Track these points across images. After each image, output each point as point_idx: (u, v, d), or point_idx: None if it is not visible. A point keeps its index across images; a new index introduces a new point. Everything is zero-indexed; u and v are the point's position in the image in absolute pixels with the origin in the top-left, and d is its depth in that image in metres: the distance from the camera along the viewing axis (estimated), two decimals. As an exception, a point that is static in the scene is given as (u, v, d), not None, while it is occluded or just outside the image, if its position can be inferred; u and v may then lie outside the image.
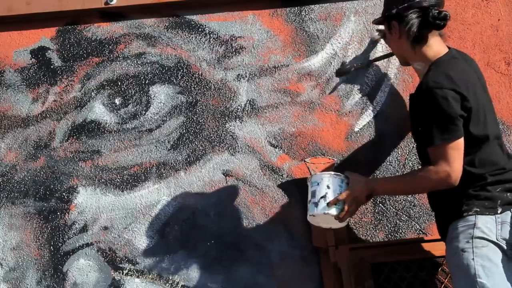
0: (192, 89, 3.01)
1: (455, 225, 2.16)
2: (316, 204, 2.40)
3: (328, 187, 2.39)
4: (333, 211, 2.37)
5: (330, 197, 2.37)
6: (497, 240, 2.09)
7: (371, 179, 2.43)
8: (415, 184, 2.30)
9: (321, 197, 2.39)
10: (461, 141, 2.16)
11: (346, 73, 2.90)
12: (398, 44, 2.40)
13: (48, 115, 2.99)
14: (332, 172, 2.46)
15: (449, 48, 2.37)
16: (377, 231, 2.80)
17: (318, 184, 2.42)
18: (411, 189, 2.41)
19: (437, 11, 2.28)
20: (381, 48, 3.06)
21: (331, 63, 3.04)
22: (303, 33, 3.09)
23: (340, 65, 2.98)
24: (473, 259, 2.07)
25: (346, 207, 2.35)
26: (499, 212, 2.12)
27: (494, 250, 2.09)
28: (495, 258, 2.07)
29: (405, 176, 2.55)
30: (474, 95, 2.21)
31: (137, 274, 2.76)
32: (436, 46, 2.33)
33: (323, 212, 2.38)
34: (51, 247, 2.80)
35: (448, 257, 2.21)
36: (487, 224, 2.11)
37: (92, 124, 2.97)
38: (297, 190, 2.84)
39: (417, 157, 2.67)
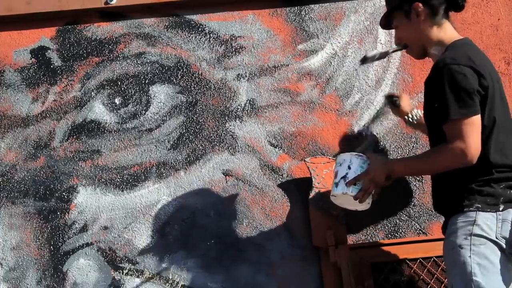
0: (192, 88, 3.02)
1: (454, 220, 2.13)
2: (336, 185, 2.38)
3: (349, 167, 2.36)
4: (351, 191, 2.34)
5: (350, 178, 2.35)
6: (496, 238, 2.07)
7: (391, 159, 2.37)
8: (431, 163, 2.23)
9: (342, 177, 2.36)
10: (478, 118, 2.12)
11: (371, 60, 2.72)
12: (417, 29, 2.35)
13: (48, 115, 2.99)
14: (354, 153, 2.43)
15: None
16: (377, 231, 2.80)
17: (340, 164, 2.39)
18: (428, 168, 2.32)
19: None
20: (381, 48, 3.06)
21: (331, 62, 3.04)
22: (303, 32, 3.09)
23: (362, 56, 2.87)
24: (470, 256, 2.04)
25: (364, 187, 2.32)
26: (500, 209, 2.09)
27: (492, 248, 2.06)
28: (492, 257, 2.05)
29: (423, 155, 2.45)
30: (490, 77, 2.19)
31: (137, 274, 2.76)
32: (450, 31, 2.35)
33: (342, 192, 2.35)
34: (51, 247, 2.80)
35: (445, 252, 2.18)
36: (487, 222, 2.08)
37: (92, 124, 2.97)
38: (297, 190, 2.84)
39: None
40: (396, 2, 2.40)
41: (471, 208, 2.10)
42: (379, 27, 2.89)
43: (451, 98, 2.12)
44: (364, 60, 2.67)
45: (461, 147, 2.10)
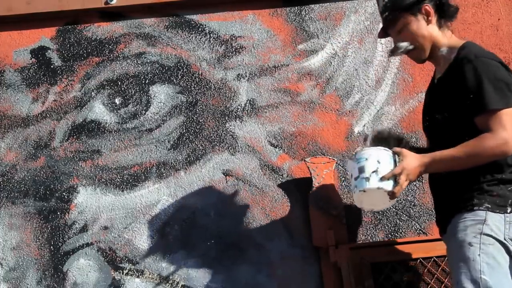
0: (192, 88, 3.02)
1: (461, 217, 2.11)
2: (367, 179, 2.18)
3: (378, 162, 2.21)
4: (388, 185, 2.17)
5: (383, 172, 2.18)
6: (504, 240, 2.06)
7: (424, 155, 2.27)
8: (470, 155, 2.13)
9: (373, 172, 2.19)
10: None
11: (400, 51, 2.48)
12: (425, 31, 2.31)
13: (48, 115, 2.99)
14: (381, 147, 2.29)
15: None
16: (377, 231, 2.80)
17: (366, 159, 2.22)
18: (465, 161, 2.16)
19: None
20: (381, 48, 3.06)
21: (331, 62, 3.04)
22: (303, 32, 3.09)
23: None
24: (479, 255, 2.03)
25: (401, 182, 2.18)
26: (508, 211, 2.09)
27: (499, 249, 2.06)
28: (499, 258, 2.05)
29: (459, 148, 2.20)
30: None
31: (137, 274, 2.76)
32: (454, 35, 2.35)
33: (377, 186, 2.17)
34: (51, 247, 2.80)
35: (452, 249, 2.16)
36: (496, 222, 2.07)
37: (92, 124, 2.97)
38: (297, 190, 2.84)
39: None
40: (404, 3, 2.33)
41: (481, 207, 2.09)
42: (379, 27, 2.89)
43: (490, 89, 2.10)
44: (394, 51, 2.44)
45: (505, 136, 2.07)
